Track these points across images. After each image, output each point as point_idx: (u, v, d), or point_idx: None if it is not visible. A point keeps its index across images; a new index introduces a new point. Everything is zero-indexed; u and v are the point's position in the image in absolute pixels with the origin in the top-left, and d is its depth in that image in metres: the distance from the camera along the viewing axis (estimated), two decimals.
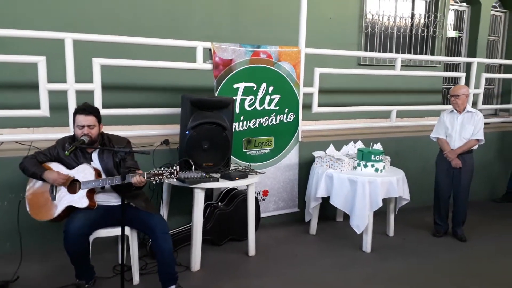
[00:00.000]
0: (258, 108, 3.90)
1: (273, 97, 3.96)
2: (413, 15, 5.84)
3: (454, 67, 6.43)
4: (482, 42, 6.28)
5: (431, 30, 5.89)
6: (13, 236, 3.01)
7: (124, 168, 2.36)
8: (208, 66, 3.66)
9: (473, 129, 3.80)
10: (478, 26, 6.22)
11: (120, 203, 2.52)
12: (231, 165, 3.49)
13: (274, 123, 4.02)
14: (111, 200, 2.73)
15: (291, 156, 4.16)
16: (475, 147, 3.89)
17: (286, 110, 4.06)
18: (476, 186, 4.84)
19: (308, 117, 4.48)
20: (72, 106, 3.21)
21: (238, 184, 3.26)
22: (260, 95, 3.89)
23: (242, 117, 3.82)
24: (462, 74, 5.16)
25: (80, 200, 2.57)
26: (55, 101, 3.30)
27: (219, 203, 3.64)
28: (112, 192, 2.73)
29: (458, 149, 3.83)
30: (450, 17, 6.25)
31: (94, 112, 2.69)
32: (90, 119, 2.64)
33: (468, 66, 5.41)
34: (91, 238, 2.61)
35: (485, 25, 6.26)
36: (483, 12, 6.21)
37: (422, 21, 5.92)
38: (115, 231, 2.71)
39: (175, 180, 3.06)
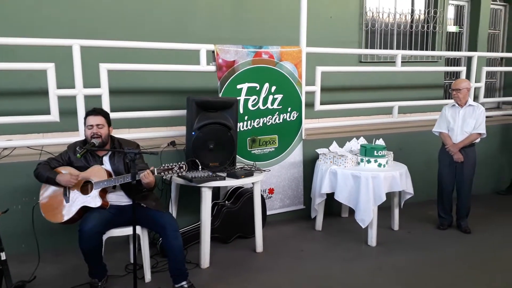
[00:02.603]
0: (262, 107, 3.98)
1: (276, 96, 4.02)
2: (413, 11, 5.89)
3: (455, 61, 6.47)
4: (483, 36, 6.31)
5: (431, 26, 5.94)
6: (27, 238, 3.10)
7: (135, 169, 2.45)
8: (212, 68, 3.74)
9: (475, 122, 3.84)
10: (478, 20, 6.25)
11: (131, 203, 2.61)
12: (237, 164, 3.57)
13: (278, 122, 4.08)
14: (123, 200, 2.82)
15: (296, 154, 4.23)
16: (477, 140, 3.93)
17: (289, 108, 4.13)
18: (480, 179, 4.88)
19: (311, 115, 4.56)
20: (81, 110, 3.31)
21: (244, 182, 3.34)
22: (263, 94, 3.96)
23: (246, 117, 3.90)
24: (462, 69, 5.21)
25: (93, 200, 2.66)
26: (64, 106, 3.40)
27: (226, 202, 3.72)
28: (123, 192, 2.82)
29: (460, 143, 3.87)
30: (450, 12, 6.30)
31: (103, 113, 2.83)
32: (98, 119, 2.76)
33: (469, 60, 5.45)
34: (105, 237, 2.70)
35: (485, 19, 6.30)
36: (483, 6, 6.24)
37: (422, 16, 5.97)
38: (127, 231, 2.80)
39: (182, 179, 3.16)
